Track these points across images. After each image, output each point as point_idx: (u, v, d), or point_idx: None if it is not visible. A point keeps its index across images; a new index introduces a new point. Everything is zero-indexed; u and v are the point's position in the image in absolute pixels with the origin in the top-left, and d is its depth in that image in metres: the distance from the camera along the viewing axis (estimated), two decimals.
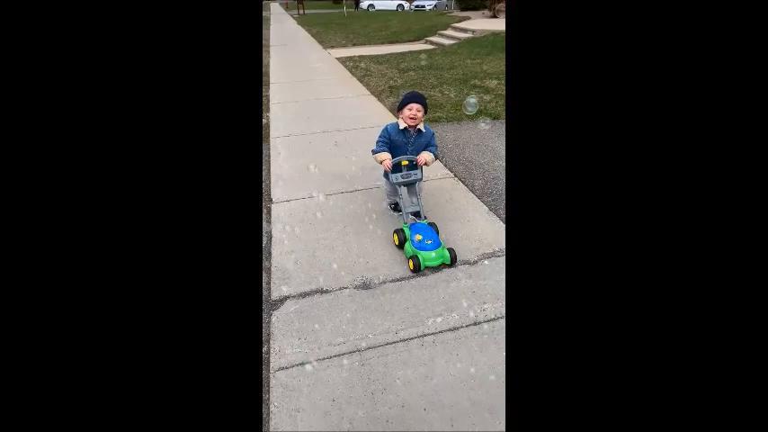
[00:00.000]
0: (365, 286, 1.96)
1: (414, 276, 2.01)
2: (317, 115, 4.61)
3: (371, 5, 24.00)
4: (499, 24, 10.56)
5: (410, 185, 2.32)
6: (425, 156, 2.22)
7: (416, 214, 2.25)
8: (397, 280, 2.00)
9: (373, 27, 13.65)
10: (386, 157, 2.19)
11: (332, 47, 10.02)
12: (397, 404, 1.40)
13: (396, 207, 2.52)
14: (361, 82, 6.15)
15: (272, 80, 6.40)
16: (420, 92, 2.31)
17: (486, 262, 2.12)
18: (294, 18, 19.47)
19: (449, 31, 10.75)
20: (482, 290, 1.92)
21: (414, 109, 2.17)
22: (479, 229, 2.40)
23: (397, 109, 2.28)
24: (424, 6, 21.91)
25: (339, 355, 1.60)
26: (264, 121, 4.40)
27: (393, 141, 2.24)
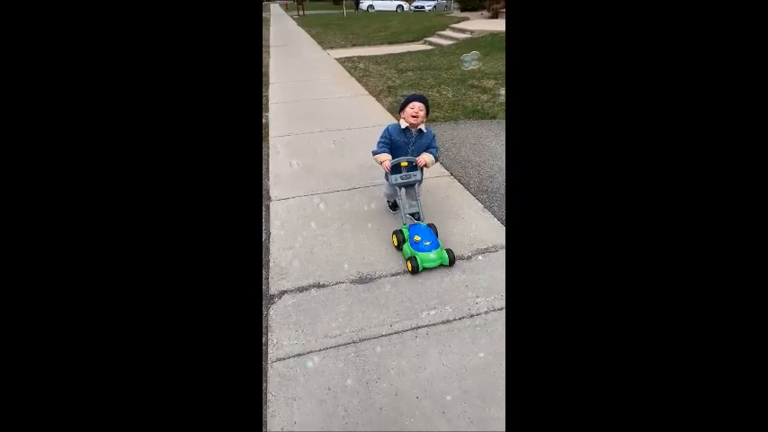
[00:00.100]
0: (362, 280, 2.01)
1: (408, 271, 2.05)
2: (315, 115, 4.66)
3: (371, 6, 24.07)
4: (497, 25, 10.62)
5: (409, 187, 2.31)
6: (425, 157, 2.22)
7: (415, 215, 2.25)
8: (393, 275, 2.05)
9: (373, 28, 13.71)
10: (386, 158, 2.19)
11: (331, 47, 10.07)
12: (390, 393, 1.45)
13: (394, 206, 2.54)
14: (359, 82, 6.20)
15: (271, 80, 6.44)
16: (422, 93, 2.34)
17: (479, 257, 2.16)
18: (294, 19, 19.52)
19: (447, 32, 10.81)
20: (475, 284, 1.96)
21: (416, 107, 2.16)
22: (474, 226, 2.45)
23: (399, 109, 2.28)
24: (423, 7, 21.98)
25: (335, 346, 1.65)
26: (264, 120, 4.45)
27: (394, 141, 2.24)
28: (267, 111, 4.83)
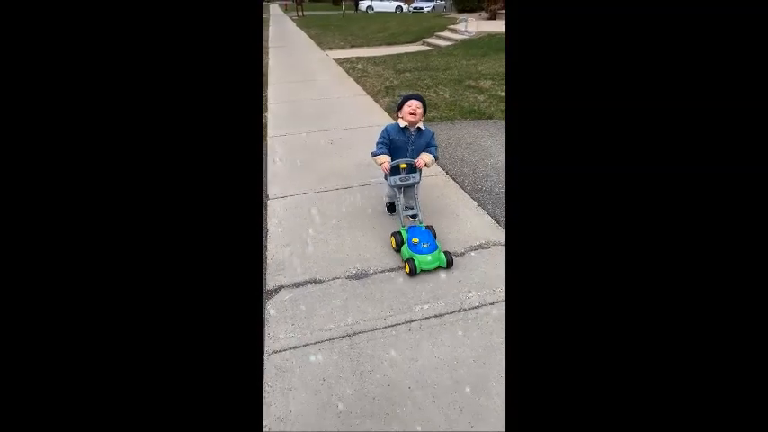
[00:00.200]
0: (357, 276, 2.05)
1: (403, 267, 2.10)
2: (313, 115, 4.70)
3: (370, 7, 24.15)
4: (495, 26, 10.69)
5: (408, 188, 2.32)
6: (425, 158, 2.21)
7: (414, 217, 2.26)
8: (388, 270, 2.09)
9: (372, 29, 13.76)
10: (385, 159, 2.19)
11: (330, 48, 10.13)
12: (383, 383, 1.49)
13: (391, 207, 2.52)
14: (357, 83, 6.25)
15: (270, 81, 6.49)
16: (419, 93, 2.35)
17: (472, 254, 2.21)
18: (293, 20, 19.57)
19: (445, 33, 10.87)
20: (468, 279, 2.01)
21: (413, 105, 2.16)
22: (468, 224, 2.50)
23: (397, 109, 2.29)
24: (422, 8, 22.06)
25: (330, 339, 1.69)
26: (263, 120, 4.49)
27: (393, 142, 2.24)
28: (266, 111, 4.88)
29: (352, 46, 10.40)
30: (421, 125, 2.26)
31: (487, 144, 3.72)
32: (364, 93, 5.67)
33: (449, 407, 1.40)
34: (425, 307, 1.84)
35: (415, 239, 2.06)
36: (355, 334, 1.71)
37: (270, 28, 15.56)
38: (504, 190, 2.87)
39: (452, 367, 1.54)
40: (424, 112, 2.25)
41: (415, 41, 10.85)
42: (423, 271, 2.03)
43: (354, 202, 2.77)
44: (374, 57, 8.46)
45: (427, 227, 2.21)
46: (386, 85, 5.89)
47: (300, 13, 21.51)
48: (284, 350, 1.64)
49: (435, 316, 1.79)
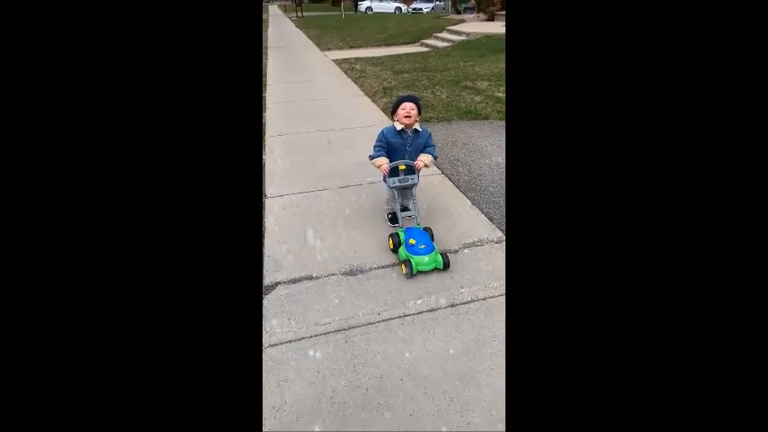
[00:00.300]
0: (353, 272, 2.10)
1: (397, 264, 2.14)
2: (311, 115, 4.75)
3: (369, 8, 24.22)
4: (492, 27, 10.75)
5: (406, 189, 2.32)
6: (425, 159, 2.23)
7: (412, 219, 2.26)
8: (383, 267, 2.14)
9: (370, 30, 13.82)
10: (383, 161, 2.20)
11: (329, 49, 10.18)
12: (376, 375, 1.54)
13: (393, 219, 2.45)
14: (355, 83, 6.30)
15: (269, 81, 6.54)
16: (413, 94, 2.36)
17: (465, 251, 2.26)
18: (292, 21, 19.63)
19: (444, 34, 10.93)
20: (461, 275, 2.06)
21: (407, 108, 2.18)
22: (462, 222, 2.54)
23: (392, 112, 2.31)
24: (421, 9, 22.13)
25: (325, 333, 1.73)
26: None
27: (390, 144, 2.25)
28: (265, 111, 4.92)
29: (351, 47, 10.45)
30: (417, 126, 2.27)
31: (483, 144, 3.77)
32: (362, 93, 5.72)
33: (439, 397, 1.45)
34: (419, 302, 1.89)
35: (412, 241, 2.07)
36: (350, 328, 1.76)
37: (269, 29, 15.60)
38: (497, 189, 2.92)
39: (443, 360, 1.59)
40: (419, 113, 2.27)
41: (413, 42, 10.91)
42: (420, 272, 2.05)
43: (351, 201, 2.81)
44: (372, 57, 8.51)
45: (425, 228, 2.24)
46: (383, 86, 5.94)
47: (300, 14, 21.57)
48: (280, 344, 1.69)
49: (428, 311, 1.84)
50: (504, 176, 3.10)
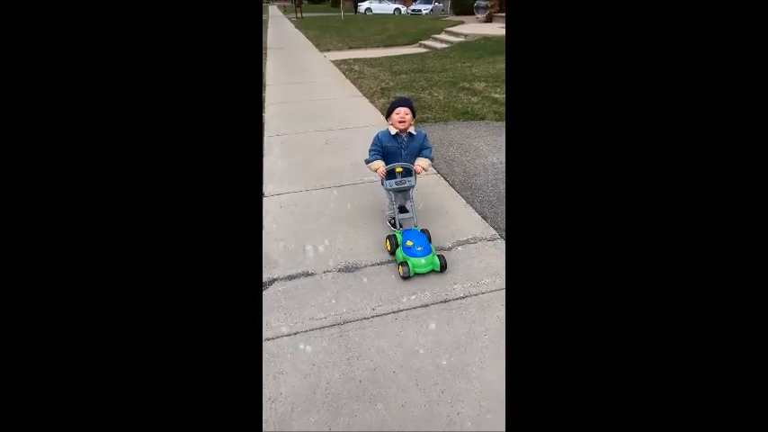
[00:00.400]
0: (348, 269, 2.14)
1: (392, 261, 2.18)
2: (310, 115, 4.79)
3: (369, 9, 24.29)
4: (491, 29, 10.82)
5: (404, 192, 2.34)
6: (422, 163, 2.24)
7: (410, 220, 2.28)
8: (378, 264, 2.18)
9: (369, 31, 13.87)
10: (379, 165, 2.21)
11: (328, 50, 10.23)
12: (370, 368, 1.58)
13: (395, 224, 2.40)
14: (354, 84, 6.35)
15: (268, 82, 6.58)
16: (407, 96, 2.39)
17: (459, 248, 2.30)
18: (292, 21, 19.68)
19: (442, 35, 10.99)
20: (454, 272, 2.10)
21: (401, 113, 2.19)
22: (456, 220, 2.59)
23: (386, 117, 2.32)
24: (420, 11, 22.20)
25: (321, 327, 1.78)
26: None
27: (386, 148, 2.25)
28: (264, 111, 4.97)
29: (350, 48, 10.50)
30: (411, 129, 2.28)
31: (479, 144, 3.82)
32: (360, 94, 5.76)
33: (430, 389, 1.49)
34: (412, 298, 1.93)
35: (409, 242, 2.08)
36: (344, 323, 1.80)
37: (269, 29, 15.65)
38: (492, 188, 2.96)
39: (435, 354, 1.63)
40: (414, 115, 2.28)
41: (411, 43, 10.96)
42: (417, 274, 2.05)
43: (348, 200, 2.86)
44: (371, 58, 8.56)
45: (422, 230, 2.26)
46: (381, 87, 5.98)
47: (299, 15, 21.62)
48: (276, 338, 1.73)
49: (421, 306, 1.88)
50: (498, 176, 3.15)
